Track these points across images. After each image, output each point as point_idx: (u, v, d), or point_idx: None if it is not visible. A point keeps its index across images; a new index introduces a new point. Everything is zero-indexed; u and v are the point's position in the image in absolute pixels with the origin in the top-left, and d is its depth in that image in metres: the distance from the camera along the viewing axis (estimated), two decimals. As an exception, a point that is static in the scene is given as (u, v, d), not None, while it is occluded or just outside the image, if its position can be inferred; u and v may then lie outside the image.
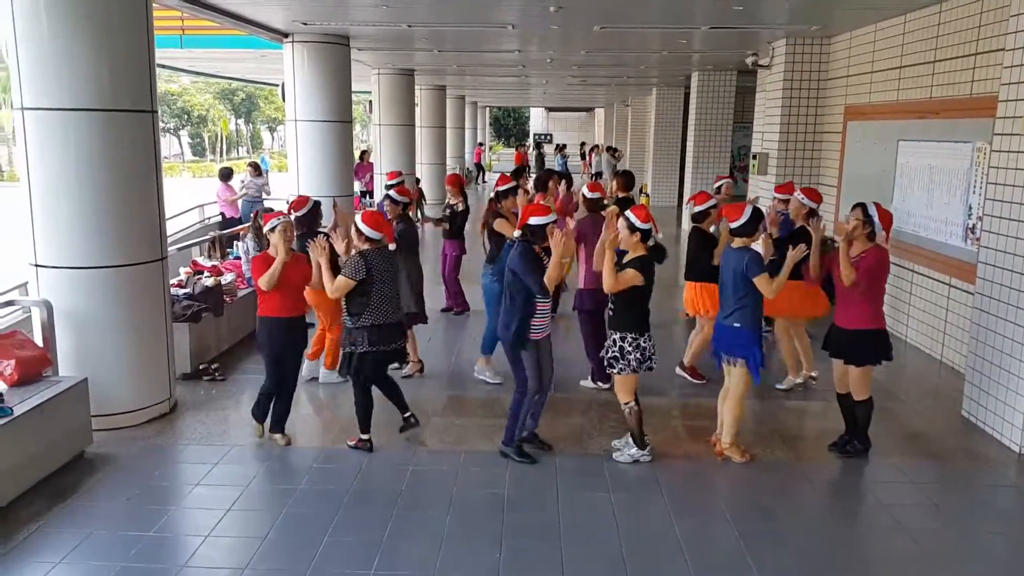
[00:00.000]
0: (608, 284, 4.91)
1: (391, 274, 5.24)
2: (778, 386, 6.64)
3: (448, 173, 11.83)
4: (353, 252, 5.13)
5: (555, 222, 5.09)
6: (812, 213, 6.22)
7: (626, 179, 8.36)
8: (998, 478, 5.15)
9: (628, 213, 5.00)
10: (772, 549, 4.21)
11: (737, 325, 4.99)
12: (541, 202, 6.20)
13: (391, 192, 6.87)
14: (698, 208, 6.39)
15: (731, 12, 8.57)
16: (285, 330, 5.30)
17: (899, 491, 4.90)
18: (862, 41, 9.32)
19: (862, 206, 5.06)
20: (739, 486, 4.95)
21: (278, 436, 5.45)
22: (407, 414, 5.46)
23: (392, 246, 5.32)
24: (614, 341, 5.02)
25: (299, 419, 5.86)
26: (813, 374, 6.73)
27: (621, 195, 8.19)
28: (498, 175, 6.80)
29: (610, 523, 4.42)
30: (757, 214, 5.06)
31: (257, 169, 14.10)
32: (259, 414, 5.45)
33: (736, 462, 5.17)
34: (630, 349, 4.96)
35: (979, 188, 6.85)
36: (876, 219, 5.00)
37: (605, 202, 6.82)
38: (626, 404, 5.11)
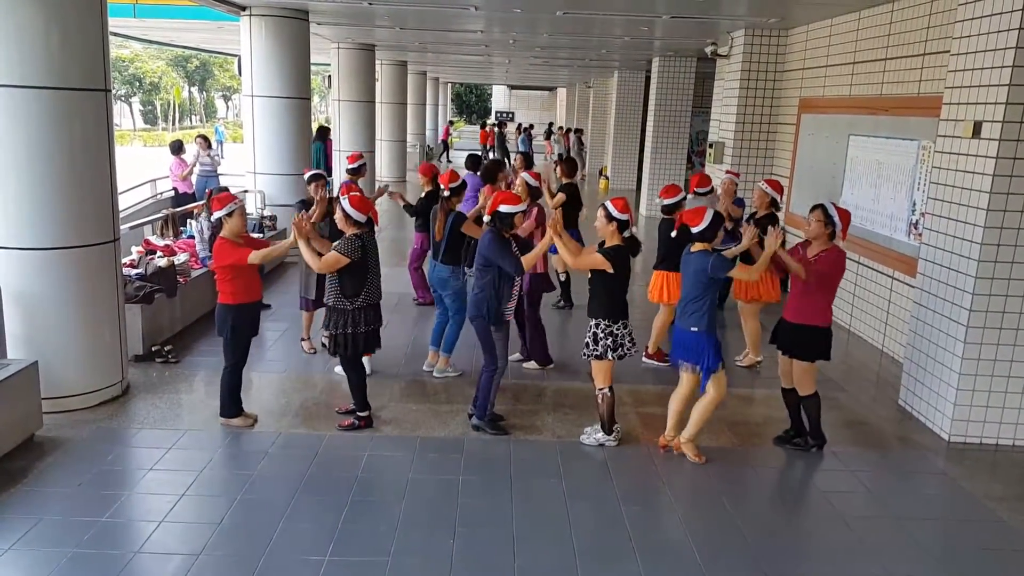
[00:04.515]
0: (568, 261, 5.20)
1: (377, 256, 5.45)
2: (738, 361, 7.09)
3: (422, 161, 11.06)
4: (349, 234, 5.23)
5: (524, 212, 5.34)
6: (774, 203, 6.77)
7: (569, 166, 8.50)
8: (927, 466, 5.40)
9: (607, 203, 5.10)
10: (714, 535, 4.38)
11: (695, 329, 4.95)
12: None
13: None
14: (668, 201, 6.68)
15: (692, 2, 8.67)
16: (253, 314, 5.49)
17: (837, 478, 5.12)
18: (818, 35, 9.49)
19: (822, 207, 5.14)
20: (686, 473, 5.10)
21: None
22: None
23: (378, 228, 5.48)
24: (589, 327, 5.18)
25: (254, 404, 5.86)
26: (759, 359, 7.01)
27: (565, 181, 8.33)
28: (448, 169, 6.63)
29: (561, 509, 4.55)
30: (717, 219, 5.00)
31: (207, 142, 13.71)
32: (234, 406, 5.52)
33: (690, 460, 5.19)
34: (602, 335, 5.11)
35: (923, 185, 7.08)
36: (836, 219, 5.11)
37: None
38: (600, 390, 5.27)
